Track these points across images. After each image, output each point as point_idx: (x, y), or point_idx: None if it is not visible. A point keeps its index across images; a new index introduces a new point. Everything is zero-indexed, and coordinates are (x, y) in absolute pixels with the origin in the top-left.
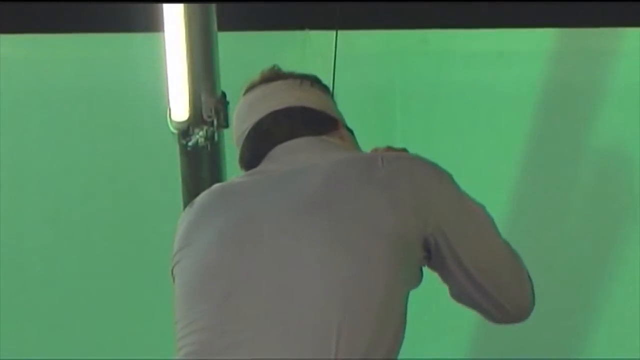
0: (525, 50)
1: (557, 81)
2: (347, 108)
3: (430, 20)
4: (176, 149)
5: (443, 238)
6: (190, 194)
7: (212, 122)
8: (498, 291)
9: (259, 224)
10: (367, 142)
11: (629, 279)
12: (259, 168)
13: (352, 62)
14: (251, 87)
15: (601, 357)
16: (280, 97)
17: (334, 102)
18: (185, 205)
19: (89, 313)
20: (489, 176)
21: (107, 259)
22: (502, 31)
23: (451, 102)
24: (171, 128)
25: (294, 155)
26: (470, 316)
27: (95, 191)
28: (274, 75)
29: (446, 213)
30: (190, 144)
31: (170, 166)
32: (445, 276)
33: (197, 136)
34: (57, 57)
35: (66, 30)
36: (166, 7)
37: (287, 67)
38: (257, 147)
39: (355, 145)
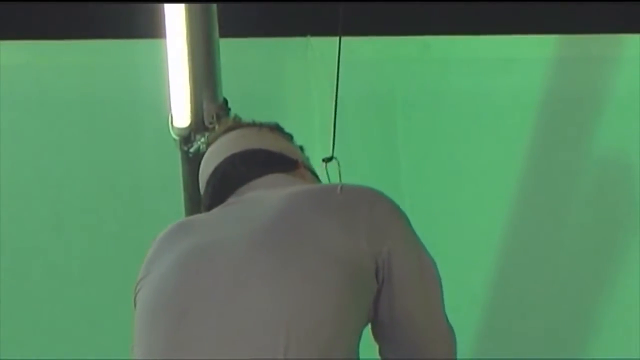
0: (527, 57)
1: (558, 88)
2: (349, 115)
3: (432, 26)
4: (178, 156)
5: (388, 272)
6: (192, 200)
7: (214, 128)
8: (423, 351)
9: (214, 249)
10: (369, 149)
11: (629, 285)
12: (221, 204)
13: (352, 68)
14: (214, 139)
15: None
16: (239, 143)
17: (298, 147)
18: (186, 212)
19: (90, 319)
20: (491, 183)
21: (108, 265)
22: (503, 38)
23: (452, 108)
24: (173, 134)
25: (255, 191)
26: (471, 316)
27: (97, 198)
28: (235, 125)
29: (398, 249)
30: (191, 150)
31: (172, 173)
32: (378, 327)
33: (199, 143)
34: (59, 64)
35: (68, 36)
36: (168, 13)
37: (289, 73)
38: (215, 191)
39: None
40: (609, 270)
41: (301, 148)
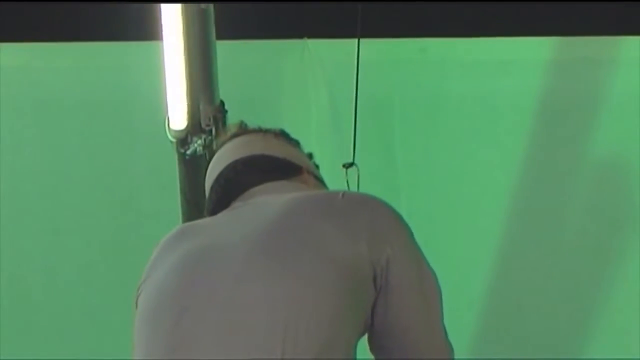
0: (524, 59)
1: (556, 90)
2: (346, 117)
3: (429, 29)
4: (174, 158)
5: (386, 280)
6: (189, 202)
7: (211, 130)
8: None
9: (215, 251)
10: (366, 151)
11: (628, 286)
12: (226, 209)
13: (350, 70)
14: (220, 146)
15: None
16: (243, 149)
17: (304, 154)
18: (183, 214)
19: (88, 320)
20: (488, 185)
21: (105, 267)
22: (501, 40)
23: (450, 111)
24: (169, 137)
25: (257, 197)
26: (468, 318)
27: (94, 200)
28: (241, 131)
29: (398, 258)
30: (188, 152)
31: (169, 175)
32: (373, 335)
33: (196, 145)
34: (57, 66)
35: (65, 39)
36: (165, 15)
37: (286, 75)
38: (218, 197)
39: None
40: (608, 271)
41: (310, 155)
